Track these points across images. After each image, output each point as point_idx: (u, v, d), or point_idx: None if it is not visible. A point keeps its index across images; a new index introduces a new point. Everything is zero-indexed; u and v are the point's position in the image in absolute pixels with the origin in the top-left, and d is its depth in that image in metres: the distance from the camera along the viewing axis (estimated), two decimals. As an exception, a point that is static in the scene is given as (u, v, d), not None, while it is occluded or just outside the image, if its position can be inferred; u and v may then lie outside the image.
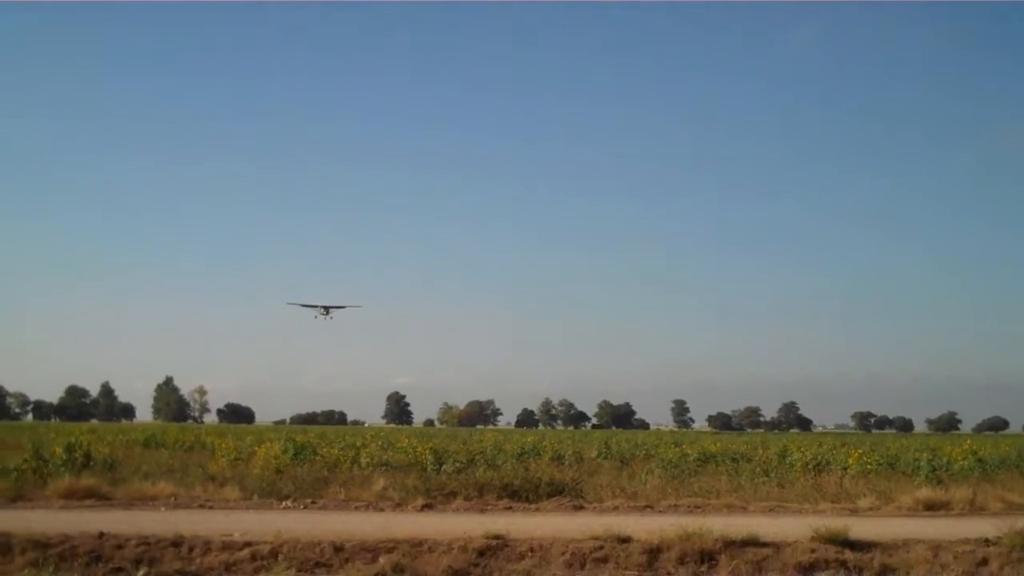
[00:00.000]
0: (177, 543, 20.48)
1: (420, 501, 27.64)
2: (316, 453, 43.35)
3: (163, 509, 26.12)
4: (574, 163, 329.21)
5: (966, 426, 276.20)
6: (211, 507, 26.76)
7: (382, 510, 26.87)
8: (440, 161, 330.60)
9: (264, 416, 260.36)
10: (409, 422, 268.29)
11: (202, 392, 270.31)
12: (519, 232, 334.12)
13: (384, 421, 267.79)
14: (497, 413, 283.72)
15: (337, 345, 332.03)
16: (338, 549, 20.49)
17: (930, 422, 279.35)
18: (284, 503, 27.78)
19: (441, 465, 38.81)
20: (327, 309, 76.79)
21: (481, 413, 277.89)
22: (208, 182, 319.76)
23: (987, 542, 21.84)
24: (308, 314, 78.58)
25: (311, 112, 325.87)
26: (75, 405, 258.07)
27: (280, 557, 19.96)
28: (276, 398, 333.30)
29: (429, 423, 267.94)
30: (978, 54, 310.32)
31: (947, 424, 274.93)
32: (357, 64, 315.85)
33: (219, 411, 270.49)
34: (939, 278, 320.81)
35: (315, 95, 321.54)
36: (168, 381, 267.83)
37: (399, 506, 27.42)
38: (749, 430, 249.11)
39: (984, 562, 21.12)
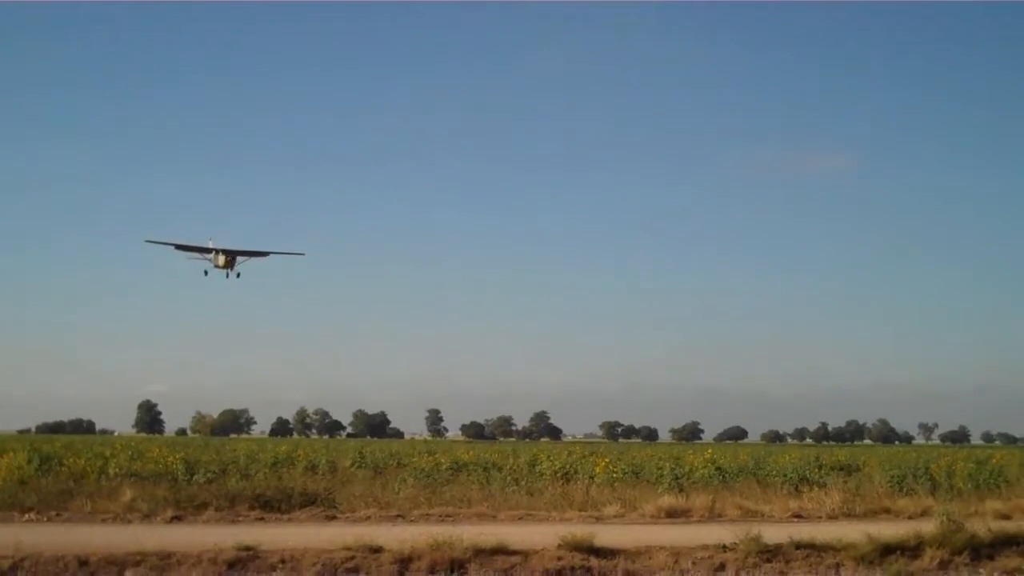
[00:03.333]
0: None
1: (170, 512, 27.24)
2: (62, 463, 41.95)
3: None
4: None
5: (708, 435, 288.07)
6: (-56, 521, 25.73)
7: (130, 522, 26.36)
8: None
9: (6, 425, 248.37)
10: (161, 431, 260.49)
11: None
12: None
13: (135, 430, 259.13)
14: (251, 422, 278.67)
15: (86, 350, 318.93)
16: (83, 563, 20.08)
17: (674, 431, 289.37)
18: (27, 516, 26.95)
19: (192, 475, 38.15)
20: (230, 256, 55.26)
21: (235, 422, 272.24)
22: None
23: (724, 548, 23.08)
24: (191, 266, 56.71)
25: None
26: None
27: (21, 573, 19.42)
28: (20, 406, 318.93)
29: (182, 432, 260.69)
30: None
31: (690, 433, 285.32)
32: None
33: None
34: (684, 291, 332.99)
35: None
36: None
37: (148, 518, 26.95)
38: (501, 439, 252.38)
39: (722, 567, 22.35)
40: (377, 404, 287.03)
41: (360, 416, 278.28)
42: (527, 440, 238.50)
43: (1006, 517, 29.89)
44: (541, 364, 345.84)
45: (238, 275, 55.77)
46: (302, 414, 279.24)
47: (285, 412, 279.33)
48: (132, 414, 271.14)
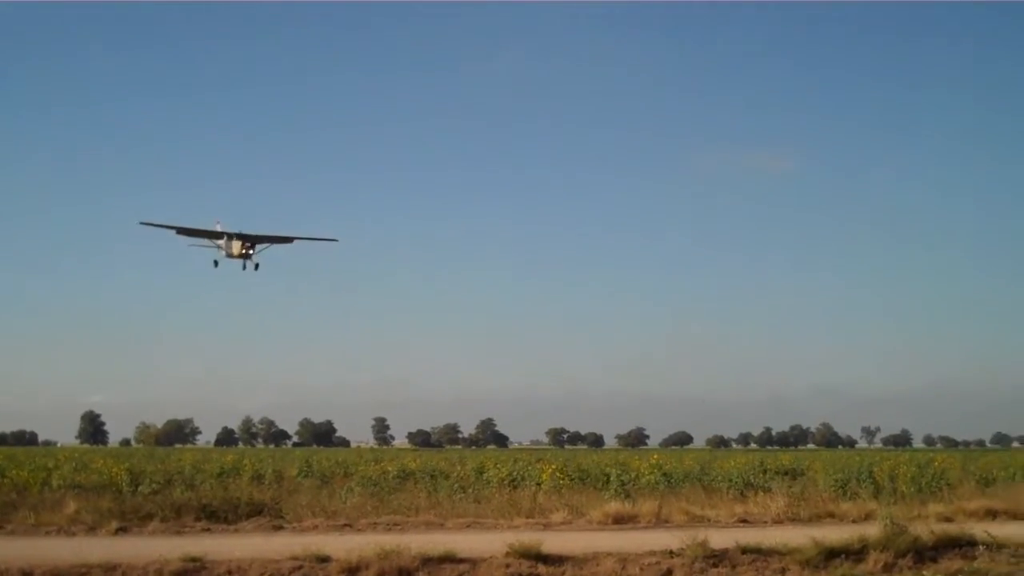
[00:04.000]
0: None
1: (114, 524, 26.97)
2: (4, 476, 41.52)
3: None
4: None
5: (654, 441, 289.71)
6: None
7: (74, 534, 26.09)
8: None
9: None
10: (105, 442, 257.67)
11: None
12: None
13: (78, 441, 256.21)
14: (196, 432, 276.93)
15: (27, 360, 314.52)
16: (26, 576, 19.88)
17: (620, 437, 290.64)
18: (-33, 529, 26.59)
19: (137, 486, 37.87)
20: (247, 243, 47.77)
21: (180, 432, 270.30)
22: None
23: (671, 553, 23.20)
24: (199, 253, 50.13)
25: None
26: None
27: (-37, 587, 19.20)
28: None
29: (126, 443, 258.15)
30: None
31: (636, 439, 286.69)
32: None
33: None
34: (628, 297, 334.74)
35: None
36: None
37: (92, 530, 26.68)
38: (448, 447, 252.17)
39: (668, 573, 22.46)
40: (323, 413, 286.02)
41: (306, 425, 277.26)
42: (474, 448, 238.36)
43: (948, 520, 30.25)
44: (487, 371, 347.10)
45: (256, 266, 48.65)
46: (248, 423, 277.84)
47: (230, 422, 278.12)
48: (75, 425, 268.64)
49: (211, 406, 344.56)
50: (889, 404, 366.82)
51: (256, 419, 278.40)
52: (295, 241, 49.45)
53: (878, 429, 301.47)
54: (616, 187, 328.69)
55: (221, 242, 47.92)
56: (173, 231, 47.18)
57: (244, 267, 47.91)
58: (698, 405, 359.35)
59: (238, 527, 27.79)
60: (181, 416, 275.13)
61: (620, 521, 30.02)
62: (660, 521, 30.31)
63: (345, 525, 28.35)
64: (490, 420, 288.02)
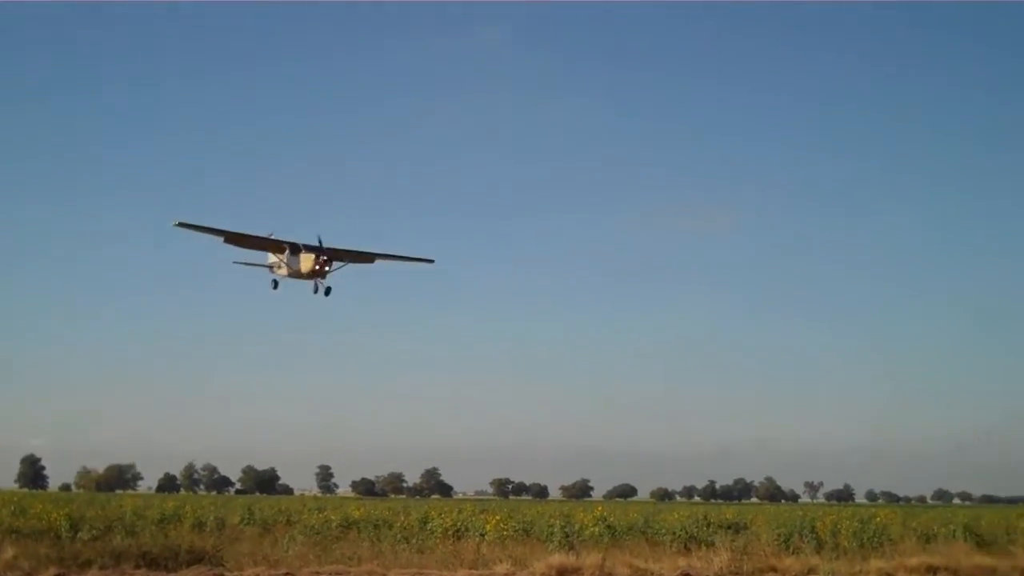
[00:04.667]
0: None
1: (52, 571, 26.74)
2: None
3: None
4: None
5: (598, 492, 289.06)
6: None
7: (11, 580, 25.78)
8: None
9: None
10: (44, 486, 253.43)
11: None
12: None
13: (17, 485, 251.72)
14: (138, 477, 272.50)
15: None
16: (-38, 623, 19.63)
17: (564, 488, 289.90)
18: (-98, 575, 26.20)
19: (77, 532, 37.39)
20: (322, 257, 39.51)
21: (121, 477, 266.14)
22: None
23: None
24: (251, 273, 41.42)
25: None
26: None
27: None
28: None
29: (66, 487, 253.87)
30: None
31: (580, 491, 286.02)
32: None
33: None
34: (574, 348, 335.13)
35: None
36: None
37: (30, 576, 26.38)
38: (392, 495, 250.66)
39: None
40: (267, 460, 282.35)
41: (249, 472, 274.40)
42: (418, 497, 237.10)
43: (889, 575, 30.55)
44: (432, 420, 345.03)
45: (327, 291, 40.28)
46: (190, 469, 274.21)
47: (173, 467, 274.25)
48: (14, 468, 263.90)
49: (153, 451, 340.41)
50: (832, 459, 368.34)
51: (199, 465, 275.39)
52: (376, 261, 42.11)
53: (821, 484, 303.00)
54: (565, 235, 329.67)
55: (282, 256, 40.08)
56: (220, 237, 38.61)
57: (316, 289, 39.96)
58: (643, 457, 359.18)
59: (178, 575, 27.56)
60: (123, 461, 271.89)
61: (564, 573, 30.10)
62: (604, 573, 30.44)
63: (287, 574, 28.24)
64: (435, 469, 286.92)
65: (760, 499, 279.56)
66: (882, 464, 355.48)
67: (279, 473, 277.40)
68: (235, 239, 38.77)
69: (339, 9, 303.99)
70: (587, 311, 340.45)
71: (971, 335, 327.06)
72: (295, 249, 39.69)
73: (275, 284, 40.61)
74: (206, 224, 38.67)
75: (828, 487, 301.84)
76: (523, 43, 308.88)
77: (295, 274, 39.73)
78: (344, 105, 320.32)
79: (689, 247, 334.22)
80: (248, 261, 40.99)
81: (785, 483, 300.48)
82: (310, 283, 40.13)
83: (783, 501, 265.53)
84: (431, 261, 45.54)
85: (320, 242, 40.22)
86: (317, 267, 39.36)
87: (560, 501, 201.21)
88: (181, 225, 37.53)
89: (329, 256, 39.79)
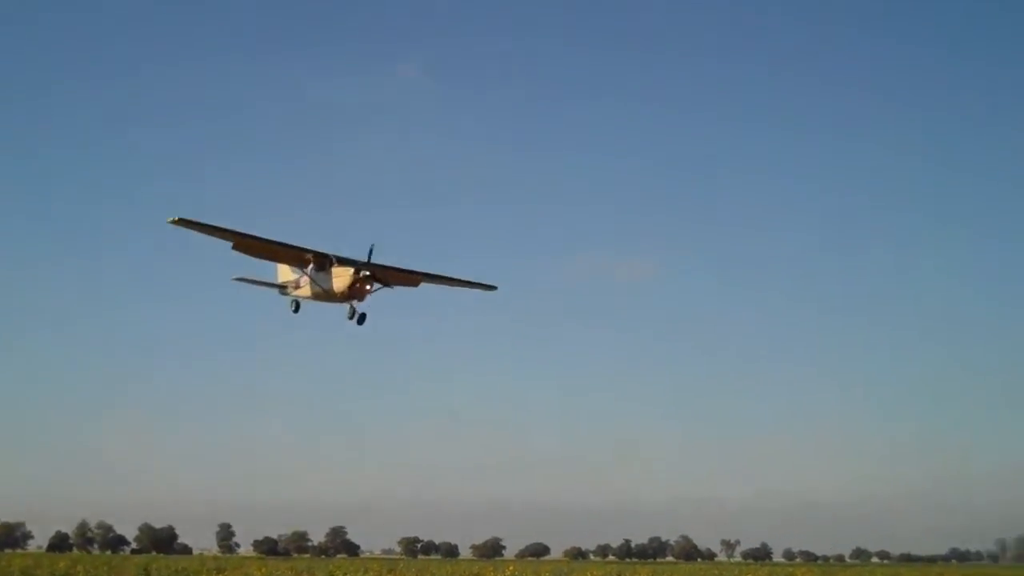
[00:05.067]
0: None
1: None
2: None
3: None
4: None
5: (510, 552, 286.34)
6: None
7: None
8: None
9: None
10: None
11: None
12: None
13: None
14: (28, 536, 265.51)
15: None
16: None
17: (475, 547, 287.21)
18: None
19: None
20: (363, 276, 33.52)
21: (10, 536, 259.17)
22: None
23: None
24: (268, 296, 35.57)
25: None
26: None
27: None
28: None
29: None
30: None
31: (491, 550, 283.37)
32: None
33: None
34: (486, 401, 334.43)
35: None
36: None
37: None
38: (296, 555, 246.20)
39: None
40: (164, 518, 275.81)
41: (146, 530, 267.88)
42: (323, 556, 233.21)
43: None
44: (338, 475, 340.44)
45: (362, 318, 34.31)
46: (83, 528, 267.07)
47: (65, 526, 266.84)
48: None
49: (44, 509, 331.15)
50: (749, 517, 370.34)
51: (92, 523, 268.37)
52: (421, 285, 36.17)
53: (738, 542, 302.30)
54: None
55: (306, 273, 34.41)
56: (228, 242, 33.00)
57: (351, 315, 34.16)
58: (555, 515, 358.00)
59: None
60: (12, 519, 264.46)
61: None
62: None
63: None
64: (341, 528, 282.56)
65: (676, 558, 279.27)
66: (800, 522, 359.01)
67: (178, 532, 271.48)
68: (246, 244, 33.16)
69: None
70: (494, 363, 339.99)
71: (890, 395, 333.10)
72: (323, 262, 33.58)
73: (296, 306, 35.54)
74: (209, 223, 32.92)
75: (745, 545, 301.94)
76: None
77: (322, 295, 33.86)
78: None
79: (603, 291, 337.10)
80: (253, 278, 35.57)
81: (701, 542, 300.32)
82: (341, 306, 33.94)
83: (699, 560, 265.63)
84: (494, 288, 40.88)
85: (370, 255, 34.19)
86: (355, 286, 33.29)
87: (470, 560, 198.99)
88: (181, 222, 32.84)
89: (371, 274, 34.04)
